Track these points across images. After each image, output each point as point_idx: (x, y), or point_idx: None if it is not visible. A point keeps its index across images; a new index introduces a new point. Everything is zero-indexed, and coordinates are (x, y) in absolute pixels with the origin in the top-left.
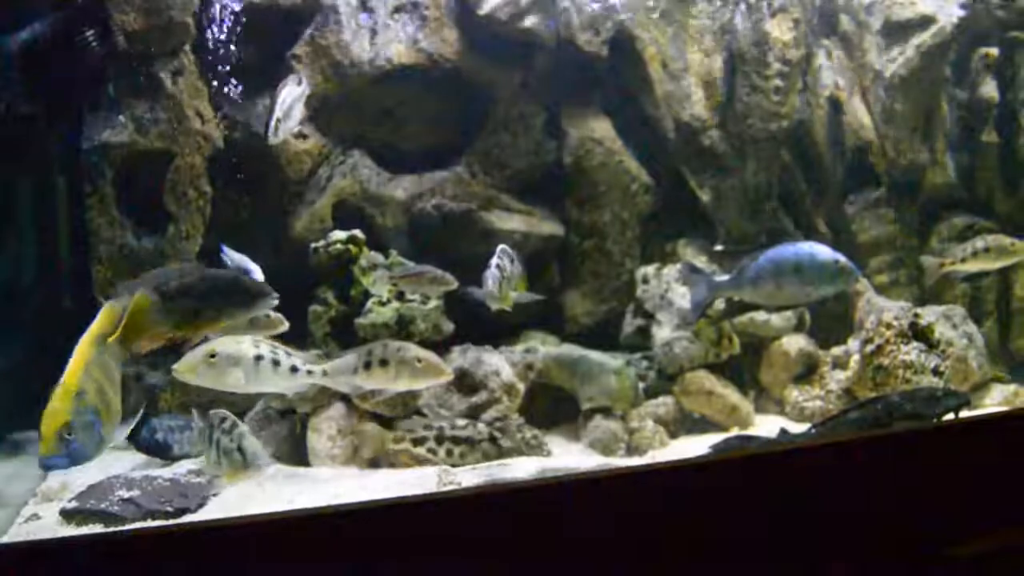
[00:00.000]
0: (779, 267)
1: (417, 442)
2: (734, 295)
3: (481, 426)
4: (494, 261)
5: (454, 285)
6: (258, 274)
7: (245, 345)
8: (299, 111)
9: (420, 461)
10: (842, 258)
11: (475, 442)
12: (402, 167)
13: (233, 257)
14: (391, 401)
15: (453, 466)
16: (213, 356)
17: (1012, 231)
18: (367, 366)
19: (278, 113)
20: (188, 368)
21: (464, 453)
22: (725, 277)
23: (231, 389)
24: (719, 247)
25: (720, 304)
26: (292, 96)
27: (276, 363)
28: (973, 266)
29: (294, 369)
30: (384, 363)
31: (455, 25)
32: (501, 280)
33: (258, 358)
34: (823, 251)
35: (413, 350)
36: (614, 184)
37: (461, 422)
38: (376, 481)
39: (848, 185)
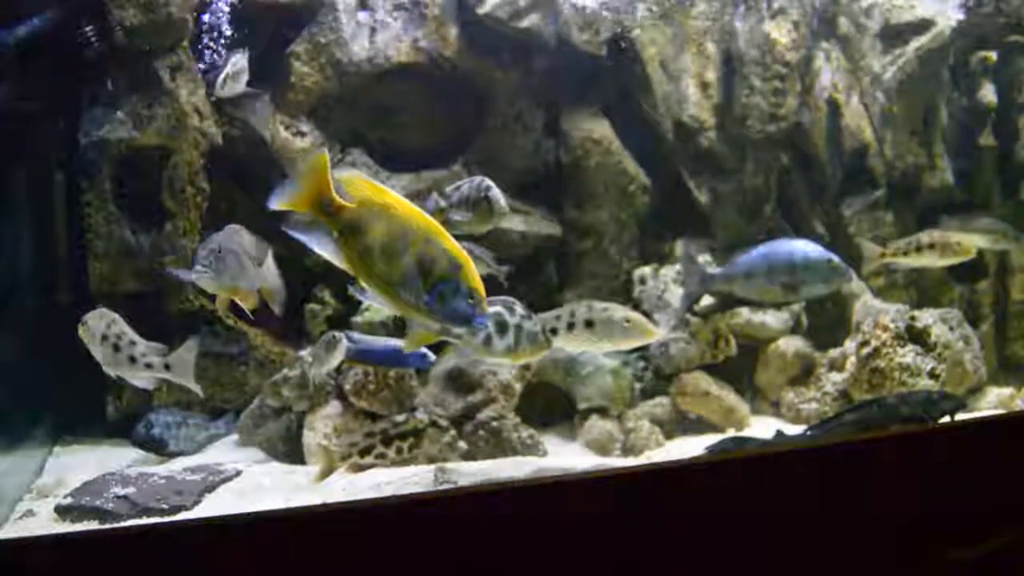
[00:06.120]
0: (772, 263)
1: (364, 452)
2: (726, 288)
3: (420, 412)
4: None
5: (504, 271)
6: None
7: (102, 324)
8: (245, 77)
9: (372, 468)
10: (835, 258)
11: (419, 431)
12: (400, 166)
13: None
14: (386, 400)
15: (404, 462)
16: (85, 324)
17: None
18: (570, 327)
19: (228, 70)
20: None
21: (413, 445)
22: (718, 270)
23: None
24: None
25: (708, 300)
26: (242, 61)
27: (116, 348)
28: (915, 261)
29: (132, 360)
30: (590, 324)
31: (454, 24)
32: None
33: (104, 338)
34: (816, 250)
35: (620, 310)
36: (612, 184)
37: (400, 418)
38: (373, 479)
39: (846, 187)
